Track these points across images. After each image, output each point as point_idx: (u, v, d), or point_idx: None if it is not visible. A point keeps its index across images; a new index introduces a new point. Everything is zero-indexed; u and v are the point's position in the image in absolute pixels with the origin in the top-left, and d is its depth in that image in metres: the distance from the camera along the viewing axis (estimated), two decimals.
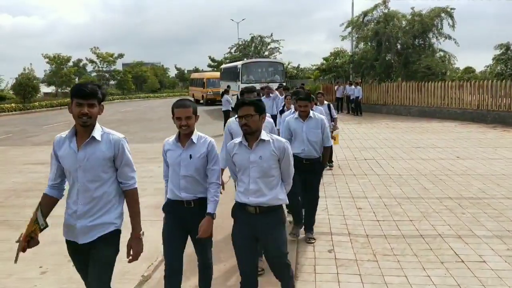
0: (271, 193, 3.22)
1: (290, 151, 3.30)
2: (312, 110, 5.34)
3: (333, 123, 9.17)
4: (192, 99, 39.56)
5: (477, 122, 17.53)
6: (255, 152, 3.21)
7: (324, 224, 5.73)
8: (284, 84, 21.69)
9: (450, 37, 23.69)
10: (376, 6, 25.25)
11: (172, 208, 3.40)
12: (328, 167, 9.14)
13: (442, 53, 24.82)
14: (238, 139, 3.33)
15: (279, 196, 3.27)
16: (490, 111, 17.52)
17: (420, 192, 7.23)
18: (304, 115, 5.17)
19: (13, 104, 30.60)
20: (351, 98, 23.05)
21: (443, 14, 23.47)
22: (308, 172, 5.10)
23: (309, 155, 5.13)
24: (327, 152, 5.41)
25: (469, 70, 35.34)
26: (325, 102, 9.35)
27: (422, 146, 12.00)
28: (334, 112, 9.31)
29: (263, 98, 12.45)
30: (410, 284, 4.03)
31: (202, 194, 3.35)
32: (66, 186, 2.93)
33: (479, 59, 61.22)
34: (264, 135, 3.24)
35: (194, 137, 3.32)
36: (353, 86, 23.04)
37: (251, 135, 3.20)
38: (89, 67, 53.00)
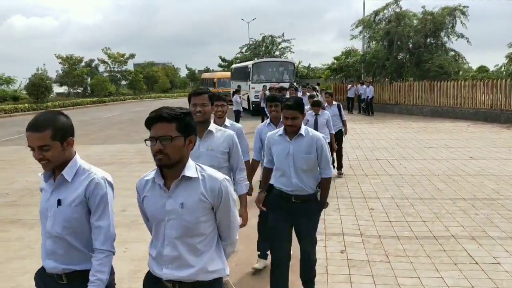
0: (198, 263, 2.04)
1: (230, 193, 2.10)
2: (305, 125, 3.69)
3: (343, 126, 9.07)
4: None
5: (491, 122, 17.32)
6: (174, 196, 2.03)
7: (336, 225, 5.70)
8: (295, 83, 21.61)
9: (462, 36, 23.51)
10: (387, 5, 25.13)
11: (43, 283, 2.23)
12: (337, 175, 8.49)
13: (453, 53, 24.61)
14: (151, 173, 2.13)
15: (212, 266, 2.09)
16: (503, 111, 17.28)
17: (433, 193, 7.16)
18: (292, 131, 3.57)
19: (26, 104, 30.97)
20: (362, 97, 22.94)
21: (455, 12, 23.26)
22: (299, 215, 3.61)
23: (299, 191, 3.58)
24: (327, 185, 3.71)
25: (483, 69, 34.90)
26: (334, 102, 9.25)
27: (435, 146, 11.89)
28: (344, 113, 9.15)
29: None
30: (423, 286, 4.00)
31: (80, 264, 2.12)
32: None
33: (492, 57, 60.54)
34: (190, 170, 2.04)
35: (67, 172, 2.10)
36: (364, 86, 22.93)
37: (169, 168, 2.02)
38: (101, 68, 53.64)
